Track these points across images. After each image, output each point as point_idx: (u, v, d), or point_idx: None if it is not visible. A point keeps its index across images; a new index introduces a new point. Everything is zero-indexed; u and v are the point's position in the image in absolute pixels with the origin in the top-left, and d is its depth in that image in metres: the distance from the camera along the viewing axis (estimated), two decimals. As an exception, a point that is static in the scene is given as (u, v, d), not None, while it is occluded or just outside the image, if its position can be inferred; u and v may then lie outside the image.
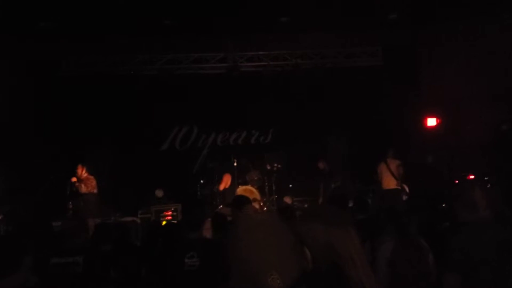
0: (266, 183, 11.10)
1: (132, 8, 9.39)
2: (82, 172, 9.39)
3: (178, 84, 11.62)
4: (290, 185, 11.58)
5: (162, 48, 11.64)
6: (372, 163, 10.56)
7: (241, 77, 11.82)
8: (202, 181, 11.30)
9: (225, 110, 11.80)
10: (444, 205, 6.94)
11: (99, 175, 9.71)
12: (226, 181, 10.65)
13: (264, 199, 10.69)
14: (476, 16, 10.12)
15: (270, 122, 12.24)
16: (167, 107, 11.39)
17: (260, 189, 10.67)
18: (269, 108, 11.53)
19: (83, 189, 9.20)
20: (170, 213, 9.93)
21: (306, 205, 10.91)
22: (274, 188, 11.08)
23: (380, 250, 3.90)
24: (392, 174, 10.15)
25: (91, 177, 9.42)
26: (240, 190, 9.98)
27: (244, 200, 5.25)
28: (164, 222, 7.90)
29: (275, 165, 11.17)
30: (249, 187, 10.35)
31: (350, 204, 6.11)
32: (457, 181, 10.06)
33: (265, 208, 10.18)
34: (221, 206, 10.02)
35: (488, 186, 8.91)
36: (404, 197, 10.06)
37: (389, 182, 10.19)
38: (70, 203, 9.10)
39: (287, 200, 10.88)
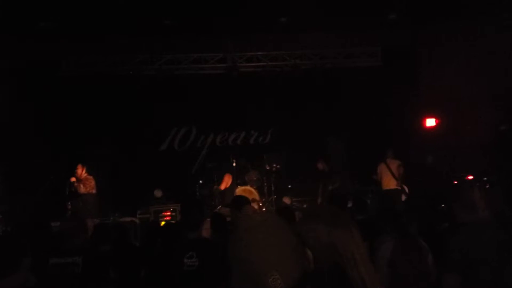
0: (265, 184, 11.09)
1: (132, 8, 9.38)
2: (82, 172, 9.38)
3: (177, 84, 11.63)
4: (289, 186, 11.59)
5: (161, 49, 11.64)
6: (371, 163, 10.56)
7: (240, 77, 11.82)
8: (201, 182, 11.30)
9: (224, 111, 11.81)
10: (443, 205, 6.94)
11: (99, 175, 9.70)
12: (227, 181, 10.64)
13: (263, 200, 10.70)
14: (476, 16, 10.11)
15: (269, 122, 12.24)
16: (166, 107, 11.40)
17: (259, 190, 10.68)
18: (268, 108, 11.53)
19: (82, 189, 9.19)
20: (169, 213, 9.94)
21: (305, 206, 10.93)
22: (273, 189, 11.07)
23: (380, 250, 3.90)
24: (392, 174, 10.15)
25: (90, 177, 9.41)
26: (239, 190, 10.00)
27: (243, 201, 5.24)
28: (163, 223, 7.91)
29: (274, 165, 11.16)
30: (248, 187, 10.38)
31: (349, 205, 6.11)
32: (456, 182, 10.06)
33: (264, 209, 10.19)
34: (220, 206, 10.00)
35: (488, 186, 8.93)
36: (404, 197, 10.07)
37: (389, 183, 10.20)
38: (69, 203, 9.11)
39: (286, 200, 10.87)
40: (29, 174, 9.81)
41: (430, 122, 11.77)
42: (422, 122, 11.82)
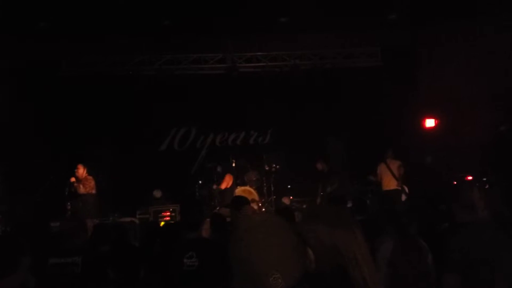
0: (265, 184, 11.09)
1: (132, 8, 9.38)
2: (83, 172, 9.37)
3: (177, 84, 11.61)
4: (289, 186, 11.56)
5: (161, 49, 11.64)
6: (371, 163, 10.56)
7: (240, 77, 11.81)
8: (200, 182, 11.28)
9: (223, 111, 11.81)
10: (443, 205, 6.92)
11: (98, 176, 9.70)
12: (228, 181, 10.63)
13: (263, 200, 10.69)
14: (476, 16, 10.11)
15: (268, 122, 12.24)
16: (165, 107, 11.38)
17: (259, 190, 10.68)
18: (267, 108, 11.52)
19: (82, 189, 9.18)
20: (168, 213, 9.91)
21: (304, 206, 10.91)
22: (272, 189, 11.07)
23: (380, 251, 3.90)
24: (393, 175, 10.15)
25: (90, 177, 9.40)
26: (239, 190, 10.00)
27: (242, 201, 5.25)
28: (162, 223, 7.90)
29: (274, 165, 11.16)
30: (247, 187, 10.38)
31: (349, 205, 6.11)
32: (455, 182, 10.05)
33: (263, 209, 10.18)
34: (218, 207, 9.99)
35: (487, 186, 8.92)
36: (404, 198, 10.07)
37: (389, 183, 10.19)
38: (69, 203, 9.10)
39: (286, 201, 10.85)
40: (29, 174, 9.81)
41: (430, 123, 11.77)
42: (421, 122, 11.82)
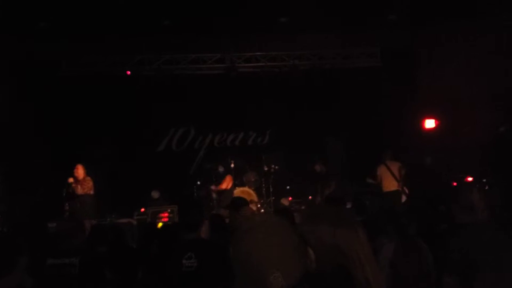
0: (264, 185, 11.08)
1: (131, 8, 9.37)
2: (82, 173, 9.34)
3: (176, 84, 11.59)
4: (288, 187, 11.55)
5: (160, 49, 11.63)
6: (370, 164, 10.53)
7: (239, 78, 11.80)
8: (198, 183, 11.23)
9: (222, 111, 11.79)
10: (443, 206, 6.91)
11: (97, 176, 9.67)
12: (228, 182, 10.60)
13: (261, 201, 10.66)
14: (476, 16, 10.10)
15: (267, 123, 12.20)
16: (164, 107, 11.36)
17: (258, 191, 10.63)
18: (266, 109, 11.50)
19: (80, 190, 9.14)
20: (166, 214, 9.86)
21: (303, 207, 10.88)
22: (271, 190, 11.06)
23: (382, 252, 3.89)
24: (393, 176, 10.12)
25: (89, 178, 9.37)
26: (238, 191, 9.94)
27: (241, 202, 5.24)
28: (160, 224, 7.88)
29: (273, 166, 11.14)
30: (246, 188, 10.32)
31: (349, 206, 6.10)
32: (455, 183, 10.04)
33: (262, 210, 10.16)
34: (216, 208, 9.96)
35: (487, 187, 8.92)
36: (403, 198, 10.05)
37: (390, 184, 10.15)
38: (67, 204, 9.07)
39: (285, 201, 10.85)
40: (29, 174, 9.81)
41: (430, 123, 11.74)
42: (421, 123, 11.80)
